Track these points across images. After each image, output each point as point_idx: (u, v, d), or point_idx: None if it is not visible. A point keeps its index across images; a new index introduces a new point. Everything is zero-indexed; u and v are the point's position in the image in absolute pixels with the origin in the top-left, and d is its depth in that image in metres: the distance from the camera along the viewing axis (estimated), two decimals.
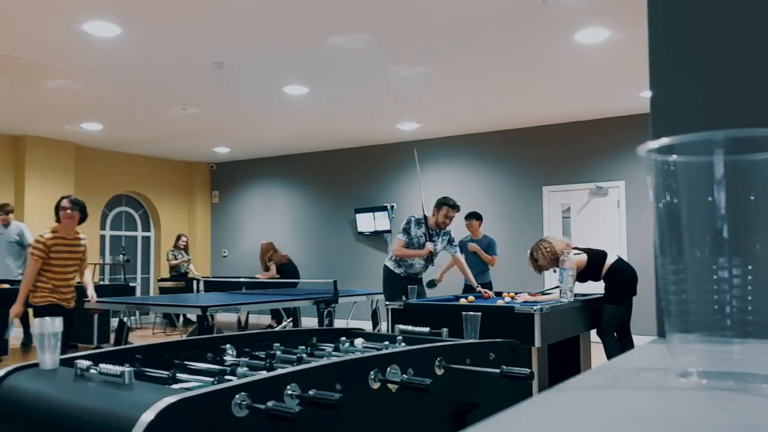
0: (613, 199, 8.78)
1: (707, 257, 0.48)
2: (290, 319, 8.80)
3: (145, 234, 12.12)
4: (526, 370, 1.90)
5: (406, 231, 5.72)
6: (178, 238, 10.90)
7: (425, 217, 5.74)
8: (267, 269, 9.67)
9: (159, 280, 10.87)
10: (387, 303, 4.52)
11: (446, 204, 5.72)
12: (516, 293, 5.29)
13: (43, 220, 10.15)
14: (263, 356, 2.12)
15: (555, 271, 4.82)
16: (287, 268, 9.54)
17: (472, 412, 1.99)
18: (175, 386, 1.68)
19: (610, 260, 4.96)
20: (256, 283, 9.29)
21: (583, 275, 4.91)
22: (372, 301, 7.71)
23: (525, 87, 7.38)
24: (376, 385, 1.72)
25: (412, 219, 5.74)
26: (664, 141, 0.49)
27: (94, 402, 1.41)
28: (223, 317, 10.58)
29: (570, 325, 4.40)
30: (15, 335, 9.30)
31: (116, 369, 1.49)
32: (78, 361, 1.59)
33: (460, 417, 1.96)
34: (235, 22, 5.32)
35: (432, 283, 6.38)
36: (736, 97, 0.79)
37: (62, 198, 5.08)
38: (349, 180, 11.22)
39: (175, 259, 10.68)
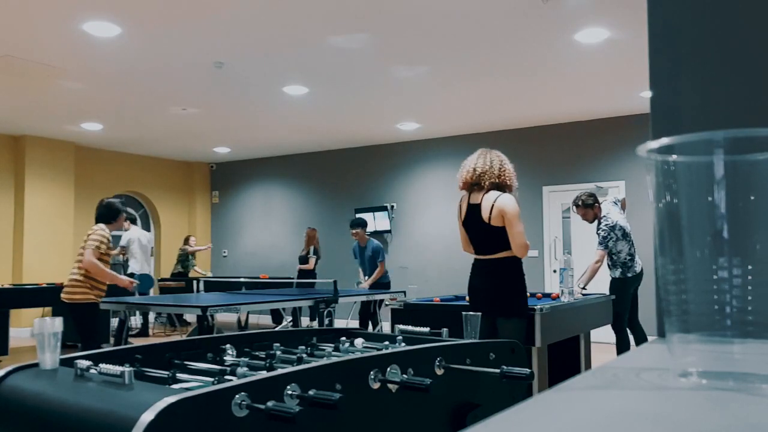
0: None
1: (707, 257, 0.48)
2: (290, 319, 8.79)
3: None
4: (526, 370, 1.90)
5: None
6: (187, 239, 11.07)
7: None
8: (306, 261, 9.54)
9: (159, 280, 10.87)
10: (387, 303, 4.52)
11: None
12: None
13: (43, 220, 10.13)
14: (263, 356, 2.12)
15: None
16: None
17: (472, 412, 1.98)
18: (175, 386, 1.68)
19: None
20: (256, 283, 9.28)
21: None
22: (372, 301, 7.69)
23: (525, 87, 7.38)
24: (376, 385, 1.71)
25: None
26: (664, 141, 0.49)
27: (94, 402, 1.41)
28: (223, 317, 10.57)
29: (570, 325, 4.40)
30: (15, 335, 9.30)
31: (116, 369, 1.49)
32: (78, 361, 1.59)
33: (460, 417, 1.96)
34: (235, 22, 5.32)
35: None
36: (736, 97, 0.79)
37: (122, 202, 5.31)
38: (349, 180, 11.22)
39: (187, 260, 10.83)
